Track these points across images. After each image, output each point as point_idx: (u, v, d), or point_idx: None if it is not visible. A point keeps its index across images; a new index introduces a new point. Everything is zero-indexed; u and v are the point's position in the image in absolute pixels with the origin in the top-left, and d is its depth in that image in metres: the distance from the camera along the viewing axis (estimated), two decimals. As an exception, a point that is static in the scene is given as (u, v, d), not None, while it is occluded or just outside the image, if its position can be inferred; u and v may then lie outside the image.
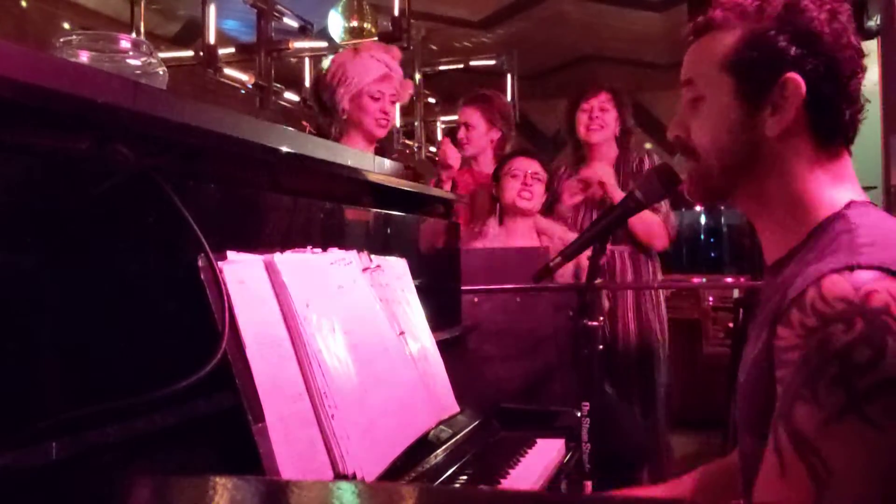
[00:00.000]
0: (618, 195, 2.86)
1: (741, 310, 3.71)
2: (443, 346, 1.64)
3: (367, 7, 5.24)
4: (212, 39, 4.71)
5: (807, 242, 1.02)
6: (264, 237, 1.23)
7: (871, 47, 3.60)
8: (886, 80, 3.55)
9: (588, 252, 1.65)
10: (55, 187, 0.88)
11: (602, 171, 3.01)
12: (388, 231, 1.68)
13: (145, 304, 0.98)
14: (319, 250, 1.32)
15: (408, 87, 2.65)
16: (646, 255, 3.11)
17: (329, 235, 1.41)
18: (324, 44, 5.13)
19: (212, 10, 4.70)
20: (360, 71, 2.48)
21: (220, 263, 1.04)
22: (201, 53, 4.82)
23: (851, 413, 0.84)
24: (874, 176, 3.51)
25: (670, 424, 3.20)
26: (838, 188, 1.04)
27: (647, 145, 5.72)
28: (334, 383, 1.16)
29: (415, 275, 1.65)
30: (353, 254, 1.42)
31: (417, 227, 1.88)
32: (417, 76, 6.22)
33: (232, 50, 5.06)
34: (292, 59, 5.28)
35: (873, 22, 3.59)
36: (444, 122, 7.36)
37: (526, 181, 2.85)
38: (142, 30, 4.90)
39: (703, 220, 8.39)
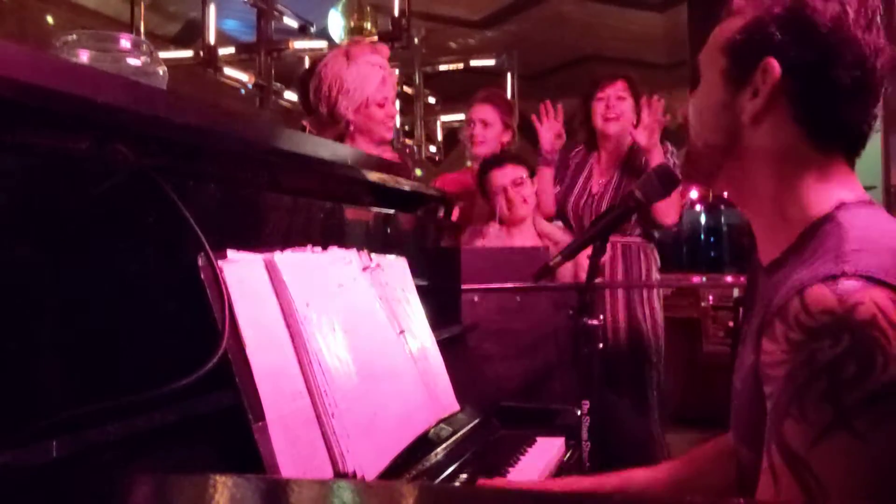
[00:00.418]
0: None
1: (741, 309, 3.71)
2: (443, 345, 1.64)
3: (367, 7, 5.24)
4: (212, 39, 4.72)
5: (799, 245, 1.00)
6: (264, 236, 1.23)
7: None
8: (886, 81, 3.54)
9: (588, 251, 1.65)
10: (55, 187, 0.88)
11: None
12: (389, 230, 1.68)
13: (145, 303, 0.98)
14: (319, 249, 1.32)
15: (394, 76, 2.62)
16: (643, 247, 3.07)
17: (329, 235, 1.41)
18: (324, 44, 5.14)
19: (212, 10, 4.70)
20: (360, 80, 2.43)
21: (220, 262, 1.05)
22: (201, 53, 4.83)
23: (840, 429, 0.83)
24: (874, 176, 3.51)
25: (666, 423, 3.17)
26: (829, 189, 1.01)
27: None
28: (334, 382, 1.16)
29: (415, 274, 1.66)
30: (353, 253, 1.42)
31: (418, 226, 1.88)
32: (417, 76, 6.23)
33: (232, 50, 5.06)
34: (292, 60, 5.28)
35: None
36: (444, 122, 7.37)
37: (509, 195, 2.85)
38: (142, 30, 4.91)
39: (703, 219, 8.39)
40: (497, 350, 2.40)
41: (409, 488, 0.77)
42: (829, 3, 0.99)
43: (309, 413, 1.11)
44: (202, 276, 1.03)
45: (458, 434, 1.58)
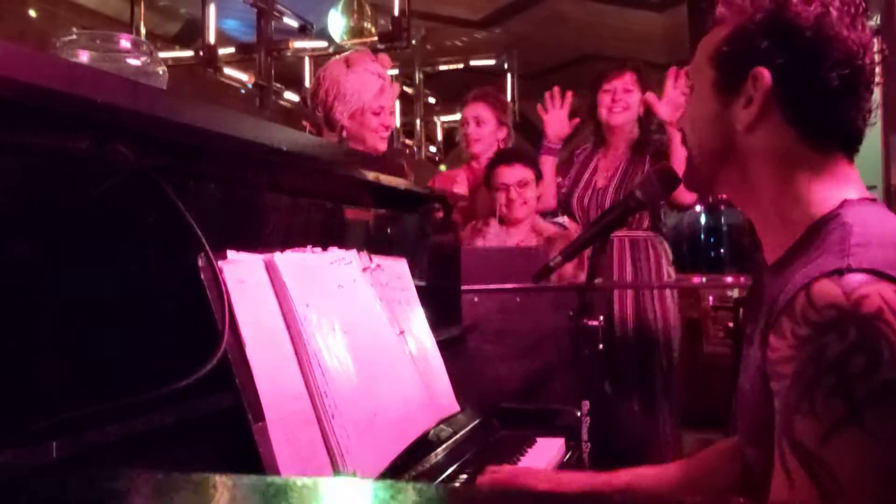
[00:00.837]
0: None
1: (741, 309, 3.70)
2: (443, 346, 1.64)
3: (368, 7, 5.24)
4: (212, 39, 4.72)
5: (803, 243, 1.00)
6: (264, 237, 1.23)
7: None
8: (886, 80, 3.55)
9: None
10: (55, 187, 0.88)
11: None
12: (389, 230, 1.68)
13: (145, 303, 0.98)
14: (319, 250, 1.32)
15: (396, 88, 2.63)
16: (652, 241, 3.02)
17: (329, 235, 1.41)
18: (324, 44, 5.14)
19: (212, 10, 4.70)
20: (358, 87, 2.43)
21: (220, 263, 1.05)
22: (201, 53, 4.83)
23: (852, 423, 0.83)
24: (874, 176, 3.51)
25: (677, 423, 3.14)
26: (830, 185, 1.01)
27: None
28: (334, 382, 1.16)
29: (415, 274, 1.65)
30: (352, 253, 1.42)
31: (417, 227, 1.88)
32: (417, 76, 6.23)
33: (232, 50, 5.06)
34: (292, 60, 5.28)
35: (873, 22, 3.59)
36: (443, 122, 7.37)
37: (511, 195, 2.84)
38: (142, 30, 4.90)
39: (703, 219, 8.38)
40: (497, 351, 2.39)
41: (409, 489, 0.77)
42: (810, 4, 1.00)
43: (309, 413, 1.11)
44: (202, 276, 1.03)
45: (458, 435, 1.57)
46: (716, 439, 1.35)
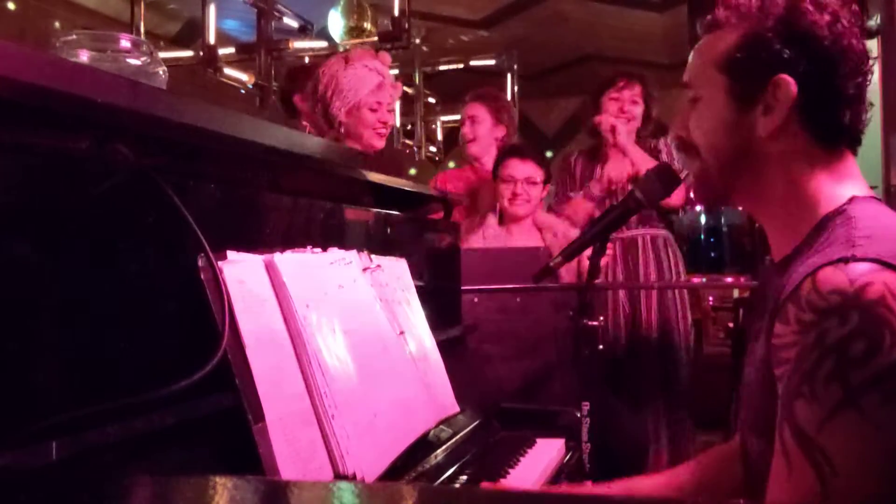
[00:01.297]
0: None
1: (741, 310, 3.71)
2: (443, 346, 1.64)
3: (367, 7, 5.24)
4: (212, 39, 4.72)
5: (811, 238, 1.02)
6: (264, 237, 1.23)
7: (871, 47, 3.60)
8: (886, 80, 3.54)
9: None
10: (55, 187, 0.88)
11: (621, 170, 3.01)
12: (388, 231, 1.68)
13: (145, 303, 0.98)
14: (319, 250, 1.32)
15: (399, 88, 2.63)
16: (668, 240, 3.08)
17: (329, 235, 1.41)
18: (324, 44, 5.13)
19: (212, 10, 4.70)
20: (355, 82, 2.44)
21: (220, 263, 1.04)
22: (201, 53, 4.82)
23: (849, 407, 0.85)
24: (874, 176, 3.51)
25: (691, 424, 3.16)
26: (840, 185, 1.04)
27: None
28: (334, 383, 1.16)
29: (415, 275, 1.65)
30: (352, 253, 1.42)
31: (417, 227, 1.88)
32: (417, 76, 6.23)
33: (232, 50, 5.06)
34: (292, 60, 5.28)
35: (873, 22, 3.59)
36: (444, 122, 7.37)
37: (517, 190, 2.83)
38: (142, 30, 4.90)
39: (703, 220, 8.38)
40: (497, 351, 2.40)
41: (409, 490, 0.77)
42: (822, 13, 1.02)
43: (309, 414, 1.11)
44: (202, 276, 1.03)
45: (458, 435, 1.57)
46: (716, 440, 1.36)
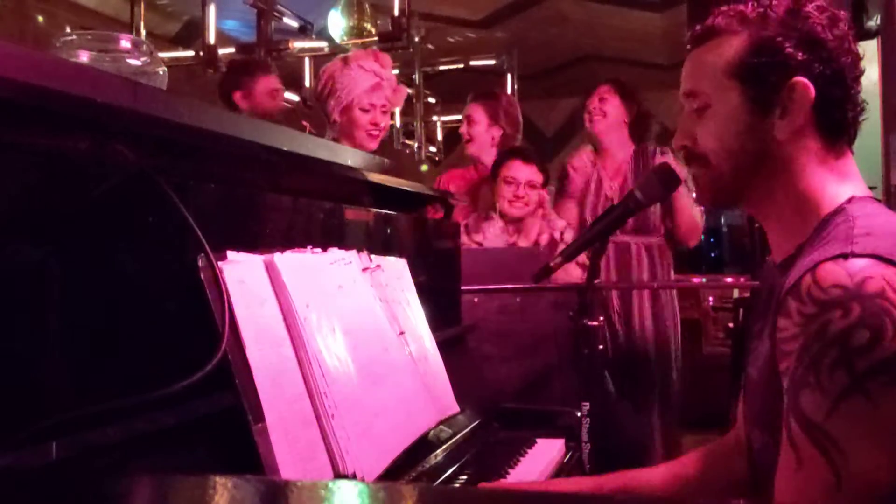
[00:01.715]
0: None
1: (741, 310, 3.71)
2: (443, 346, 1.64)
3: (367, 7, 5.23)
4: (212, 39, 4.71)
5: (811, 238, 1.04)
6: (264, 237, 1.23)
7: (871, 47, 3.60)
8: (886, 80, 3.54)
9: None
10: (55, 187, 0.88)
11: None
12: (388, 231, 1.68)
13: (145, 304, 0.98)
14: (319, 250, 1.32)
15: (401, 92, 2.62)
16: (660, 250, 3.11)
17: (329, 235, 1.41)
18: (324, 44, 5.13)
19: (212, 10, 4.70)
20: (350, 83, 2.45)
21: (220, 263, 1.04)
22: (201, 53, 4.82)
23: (856, 392, 0.86)
24: (874, 176, 3.51)
25: (674, 424, 3.20)
26: (842, 185, 1.06)
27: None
28: (334, 383, 1.16)
29: (415, 275, 1.65)
30: (353, 254, 1.42)
31: (417, 227, 1.88)
32: (417, 76, 6.22)
33: (232, 50, 5.05)
34: (292, 60, 5.28)
35: (873, 22, 3.58)
36: (444, 122, 7.36)
37: (518, 193, 2.84)
38: (142, 30, 4.90)
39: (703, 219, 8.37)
40: (497, 351, 2.39)
41: (409, 489, 0.77)
42: (822, 15, 1.05)
43: (309, 414, 1.11)
44: (202, 277, 1.03)
45: (458, 435, 1.57)
46: (714, 439, 1.36)
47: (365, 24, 5.19)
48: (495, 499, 0.67)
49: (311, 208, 1.39)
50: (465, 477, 1.46)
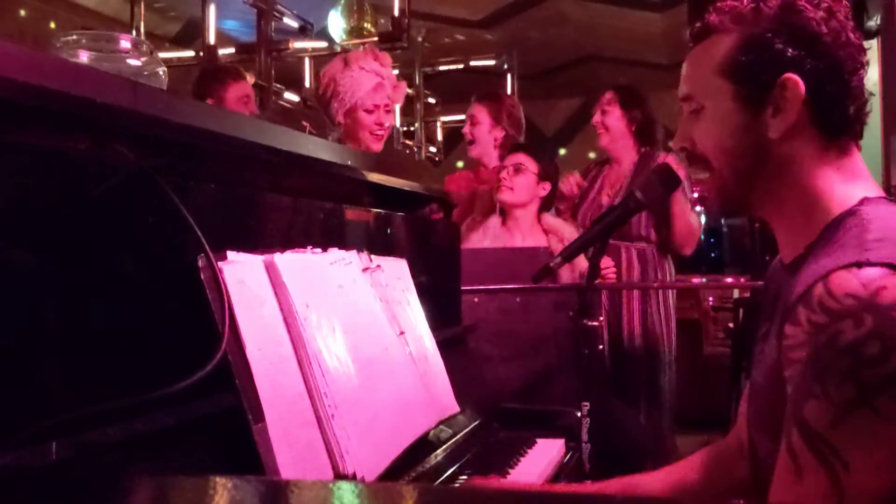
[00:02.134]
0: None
1: (741, 310, 3.70)
2: (443, 346, 1.64)
3: (368, 7, 5.24)
4: (212, 39, 4.72)
5: (821, 239, 1.01)
6: (264, 237, 1.23)
7: (871, 47, 3.60)
8: (886, 80, 3.55)
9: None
10: (55, 187, 0.88)
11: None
12: (389, 231, 1.68)
13: (145, 304, 0.98)
14: (319, 250, 1.32)
15: (401, 88, 2.62)
16: (659, 255, 3.11)
17: (329, 235, 1.41)
18: (324, 44, 5.13)
19: (212, 10, 4.70)
20: (352, 84, 2.44)
21: (220, 263, 1.04)
22: (201, 53, 4.82)
23: (863, 406, 0.85)
24: (874, 176, 3.51)
25: (674, 426, 3.19)
26: (850, 184, 1.04)
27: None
28: (334, 383, 1.16)
29: (415, 275, 1.65)
30: (353, 254, 1.42)
31: (418, 227, 1.88)
32: (417, 76, 6.22)
33: (232, 50, 5.05)
34: (292, 60, 5.28)
35: (873, 22, 3.58)
36: (444, 123, 7.36)
37: (503, 175, 2.84)
38: (142, 30, 4.90)
39: (702, 220, 8.38)
40: (497, 351, 2.39)
41: (409, 489, 0.77)
42: (817, 9, 1.02)
43: (309, 414, 1.11)
44: (202, 277, 1.03)
45: (458, 435, 1.57)
46: (714, 440, 1.35)
47: (365, 24, 5.19)
48: (495, 499, 0.67)
49: (311, 208, 1.39)
50: (465, 477, 1.46)
